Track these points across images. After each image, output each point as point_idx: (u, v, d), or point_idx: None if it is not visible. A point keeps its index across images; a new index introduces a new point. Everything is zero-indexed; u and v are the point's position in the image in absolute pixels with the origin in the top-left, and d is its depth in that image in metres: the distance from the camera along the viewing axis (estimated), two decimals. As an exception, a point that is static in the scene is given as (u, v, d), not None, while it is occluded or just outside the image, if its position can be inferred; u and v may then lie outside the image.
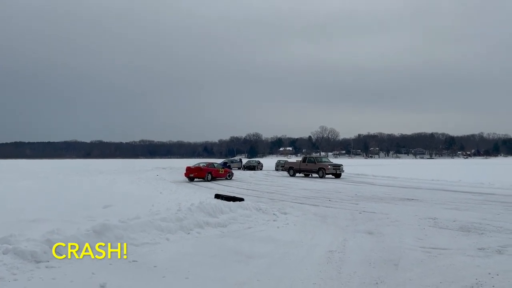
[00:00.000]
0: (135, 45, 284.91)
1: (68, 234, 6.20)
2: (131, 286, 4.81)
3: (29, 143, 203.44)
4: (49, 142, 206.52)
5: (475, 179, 25.02)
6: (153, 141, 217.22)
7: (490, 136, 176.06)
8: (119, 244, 6.37)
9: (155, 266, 5.53)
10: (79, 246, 5.96)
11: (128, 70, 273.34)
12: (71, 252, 5.77)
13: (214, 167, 28.44)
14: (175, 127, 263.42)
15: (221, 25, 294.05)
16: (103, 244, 6.23)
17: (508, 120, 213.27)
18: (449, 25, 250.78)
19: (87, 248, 5.99)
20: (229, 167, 49.51)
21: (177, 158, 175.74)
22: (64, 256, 5.65)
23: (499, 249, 6.68)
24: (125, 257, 5.92)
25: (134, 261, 5.77)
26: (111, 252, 6.06)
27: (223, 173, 28.34)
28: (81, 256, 5.76)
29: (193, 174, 26.57)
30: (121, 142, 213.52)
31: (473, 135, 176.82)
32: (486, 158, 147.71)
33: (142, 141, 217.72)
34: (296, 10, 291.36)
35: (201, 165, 28.04)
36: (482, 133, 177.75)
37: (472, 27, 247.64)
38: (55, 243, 5.77)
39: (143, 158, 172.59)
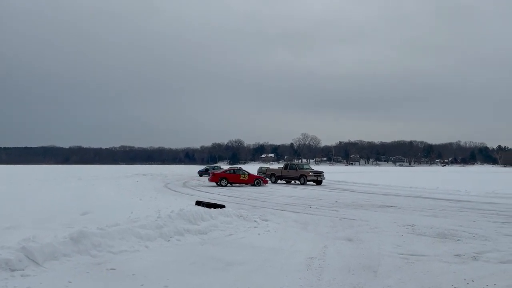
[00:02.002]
0: (116, 50, 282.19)
1: (45, 242, 6.05)
2: (108, 294, 4.73)
3: (5, 148, 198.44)
4: (26, 148, 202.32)
5: (452, 186, 25.54)
6: (133, 147, 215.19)
7: (467, 145, 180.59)
8: (96, 252, 6.26)
9: (133, 274, 5.45)
10: (55, 253, 5.83)
11: (109, 75, 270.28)
12: (47, 260, 5.64)
13: (234, 172, 28.78)
14: (156, 133, 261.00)
15: (202, 32, 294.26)
16: (80, 251, 6.11)
17: (484, 129, 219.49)
18: (424, 36, 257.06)
19: (64, 255, 5.87)
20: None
21: (158, 164, 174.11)
22: (39, 264, 5.51)
23: (474, 256, 6.82)
24: (102, 265, 5.82)
25: (112, 269, 5.67)
26: (88, 260, 5.95)
27: (247, 179, 27.77)
28: (57, 264, 5.64)
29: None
30: (101, 148, 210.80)
31: (450, 144, 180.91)
32: (463, 166, 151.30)
33: (122, 147, 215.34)
34: (277, 18, 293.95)
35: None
36: (459, 141, 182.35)
37: (446, 39, 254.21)
38: (31, 250, 5.63)
39: (123, 164, 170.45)
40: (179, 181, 35.42)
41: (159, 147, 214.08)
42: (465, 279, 5.43)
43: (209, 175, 47.95)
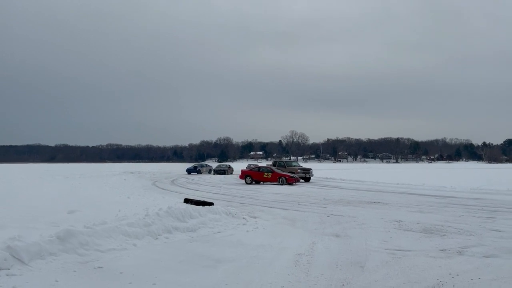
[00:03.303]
0: (103, 48, 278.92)
1: (30, 241, 5.97)
2: (96, 293, 4.70)
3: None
4: (11, 146, 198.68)
5: (438, 182, 25.89)
6: (120, 145, 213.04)
7: (453, 141, 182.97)
8: (84, 250, 6.21)
9: (121, 273, 5.42)
10: (42, 252, 5.77)
11: (95, 73, 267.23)
12: (34, 259, 5.57)
13: (258, 170, 27.77)
14: (143, 131, 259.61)
15: (190, 29, 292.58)
16: (67, 250, 6.05)
17: (469, 126, 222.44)
18: (411, 35, 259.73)
19: (50, 254, 5.80)
20: (199, 171, 49.36)
21: (146, 162, 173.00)
22: (25, 263, 5.45)
23: (459, 250, 6.94)
24: (89, 263, 5.77)
25: (99, 267, 5.63)
26: (75, 258, 5.90)
27: (271, 177, 26.15)
28: (43, 263, 5.58)
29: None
30: (87, 146, 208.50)
31: (436, 140, 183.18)
32: (448, 162, 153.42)
33: (109, 145, 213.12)
34: (263, 16, 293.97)
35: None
36: (445, 138, 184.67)
37: (433, 37, 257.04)
38: (17, 250, 5.55)
39: (110, 162, 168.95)
40: (167, 179, 35.27)
41: (147, 145, 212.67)
42: (450, 273, 5.52)
43: (197, 173, 48.39)
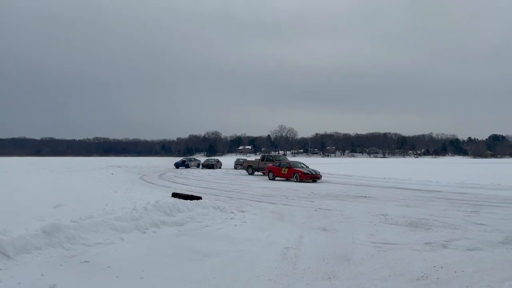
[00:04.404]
0: (90, 39, 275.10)
1: (16, 235, 5.91)
2: (82, 287, 4.68)
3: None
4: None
5: (424, 177, 26.25)
6: (108, 138, 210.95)
7: (439, 137, 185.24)
8: (70, 244, 6.17)
9: (108, 267, 5.40)
10: (27, 247, 5.71)
11: (82, 66, 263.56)
12: (19, 254, 5.52)
13: (279, 165, 26.26)
14: (131, 124, 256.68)
15: (177, 22, 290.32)
16: (53, 244, 6.01)
17: (455, 122, 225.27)
18: (398, 30, 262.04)
19: (36, 249, 5.75)
20: (187, 165, 49.21)
21: (133, 156, 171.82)
22: (11, 257, 5.39)
23: (444, 244, 7.07)
24: (76, 257, 5.74)
25: (86, 261, 5.61)
26: (61, 252, 5.86)
27: (287, 173, 24.85)
28: (29, 258, 5.53)
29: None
30: (74, 139, 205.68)
31: (423, 135, 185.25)
32: (435, 157, 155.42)
33: (96, 138, 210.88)
34: (251, 9, 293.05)
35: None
36: (431, 133, 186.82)
37: (419, 33, 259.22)
38: (2, 244, 5.49)
39: (97, 156, 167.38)
40: (155, 173, 35.10)
41: (134, 139, 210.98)
42: (434, 266, 5.62)
43: (185, 167, 48.20)
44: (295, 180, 23.83)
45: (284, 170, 25.06)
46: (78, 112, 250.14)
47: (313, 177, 23.61)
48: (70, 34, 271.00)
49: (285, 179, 25.24)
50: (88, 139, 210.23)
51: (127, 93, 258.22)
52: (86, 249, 6.21)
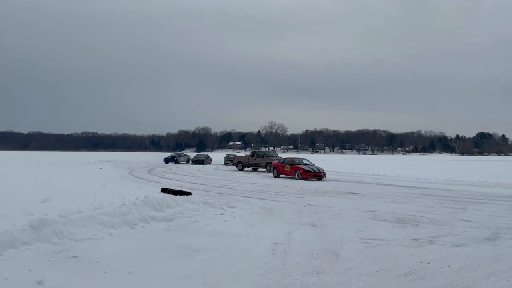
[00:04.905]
0: (78, 31, 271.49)
1: (2, 230, 5.84)
2: (70, 282, 4.65)
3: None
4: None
5: (412, 174, 26.50)
6: (96, 133, 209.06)
7: (427, 134, 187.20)
8: (58, 239, 6.12)
9: (97, 262, 5.38)
10: (14, 242, 5.65)
11: (70, 59, 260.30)
12: (6, 249, 5.46)
13: (282, 162, 25.04)
14: (120, 119, 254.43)
15: (169, 17, 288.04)
16: (40, 239, 5.95)
17: (443, 120, 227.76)
18: (388, 28, 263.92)
19: (23, 244, 5.70)
20: (177, 161, 49.03)
21: (122, 151, 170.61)
22: (-3, 253, 5.34)
23: (431, 240, 7.16)
24: (64, 252, 5.70)
25: (74, 256, 5.57)
26: (49, 248, 5.81)
27: (289, 171, 23.65)
28: (16, 253, 5.47)
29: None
30: (62, 134, 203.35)
31: (412, 133, 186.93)
32: (423, 154, 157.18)
33: (85, 133, 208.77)
34: (242, 5, 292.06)
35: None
36: (420, 130, 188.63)
37: (409, 30, 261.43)
38: (-13, 239, 5.43)
39: (86, 150, 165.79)
40: (144, 168, 34.93)
41: (123, 134, 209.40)
42: (421, 262, 5.70)
43: (175, 163, 47.98)
44: (297, 177, 22.62)
45: (287, 167, 23.90)
46: (66, 106, 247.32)
47: (316, 175, 22.24)
48: (59, 27, 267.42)
49: (289, 176, 23.98)
50: (76, 134, 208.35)
51: (116, 87, 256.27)
52: (75, 244, 6.17)
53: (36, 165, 35.32)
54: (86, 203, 9.37)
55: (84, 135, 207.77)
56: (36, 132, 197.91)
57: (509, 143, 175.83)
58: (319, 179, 22.12)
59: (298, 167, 23.12)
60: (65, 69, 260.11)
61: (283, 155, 40.05)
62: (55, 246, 5.96)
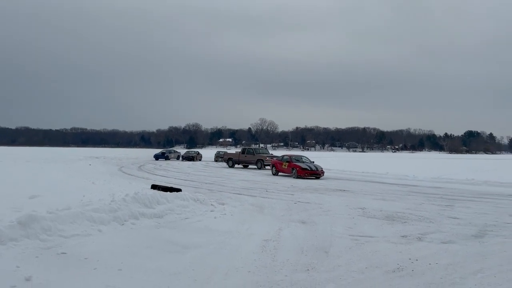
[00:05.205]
0: (67, 25, 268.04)
1: (-11, 226, 5.78)
2: (59, 278, 4.61)
3: None
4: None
5: (401, 171, 26.74)
6: (85, 129, 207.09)
7: (416, 132, 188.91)
8: (46, 236, 6.06)
9: (86, 258, 5.33)
10: (1, 238, 5.58)
11: (58, 53, 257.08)
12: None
13: (280, 160, 23.97)
14: (110, 115, 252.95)
15: (158, 12, 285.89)
16: (28, 236, 5.89)
17: (432, 118, 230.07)
18: (379, 27, 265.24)
19: (10, 240, 5.63)
20: (167, 157, 48.83)
21: (112, 147, 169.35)
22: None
23: (419, 237, 7.24)
24: (53, 249, 5.64)
25: (63, 253, 5.52)
26: (37, 244, 5.75)
27: (286, 169, 22.70)
28: (4, 249, 5.40)
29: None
30: (50, 129, 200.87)
31: (401, 131, 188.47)
32: (412, 152, 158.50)
33: (74, 128, 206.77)
34: (236, 2, 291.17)
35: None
36: (409, 129, 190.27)
37: (400, 30, 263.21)
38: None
39: (75, 146, 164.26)
40: (134, 165, 34.73)
41: (113, 130, 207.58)
42: (410, 258, 5.76)
43: (165, 159, 47.78)
44: (294, 176, 21.66)
45: (285, 165, 22.93)
46: (55, 101, 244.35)
47: (313, 173, 21.17)
48: (46, 20, 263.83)
49: (287, 174, 23.02)
50: (65, 129, 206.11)
51: (106, 83, 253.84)
52: (63, 240, 6.11)
53: (24, 160, 34.90)
54: (75, 200, 9.29)
55: (73, 131, 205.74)
56: (24, 127, 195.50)
57: (496, 141, 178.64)
58: (317, 178, 21.15)
59: (295, 165, 22.12)
60: (54, 64, 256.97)
61: (274, 152, 40.04)
62: (43, 242, 5.90)
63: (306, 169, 21.30)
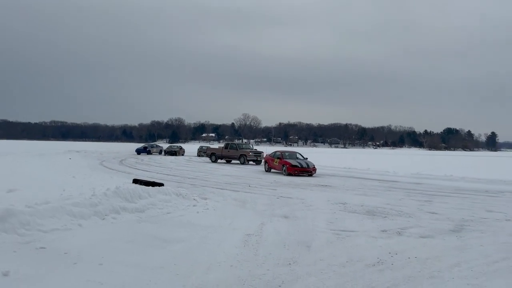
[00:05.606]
0: (51, 21, 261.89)
1: (-35, 221, 5.64)
2: (38, 273, 4.53)
3: None
4: None
5: (382, 167, 27.13)
6: (66, 122, 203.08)
7: (397, 129, 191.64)
8: (25, 230, 5.94)
9: (65, 253, 5.26)
10: (-23, 233, 5.46)
11: (39, 44, 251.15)
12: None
13: (272, 156, 22.93)
14: (91, 108, 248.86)
15: (141, 5, 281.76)
16: (6, 230, 5.76)
17: (412, 115, 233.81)
18: (362, 24, 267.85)
19: (-13, 235, 5.51)
20: (149, 152, 48.37)
21: (93, 141, 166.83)
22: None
23: (399, 231, 7.37)
24: (31, 243, 5.54)
25: (42, 247, 5.42)
26: (15, 239, 5.64)
27: (277, 165, 21.69)
28: (-20, 244, 5.28)
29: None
30: (29, 122, 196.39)
31: (382, 127, 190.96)
32: (392, 148, 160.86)
33: (54, 121, 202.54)
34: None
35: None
36: (390, 125, 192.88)
37: (381, 27, 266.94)
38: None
39: (54, 140, 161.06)
40: (115, 159, 34.30)
41: (94, 123, 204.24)
42: (389, 252, 5.86)
43: (147, 153, 47.32)
44: (284, 173, 20.61)
45: (276, 162, 21.87)
46: (34, 94, 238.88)
47: (304, 170, 20.18)
48: (24, 10, 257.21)
49: (278, 171, 21.99)
50: (44, 122, 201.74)
51: (87, 75, 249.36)
52: (42, 235, 6.00)
53: (2, 154, 34.07)
54: (54, 194, 9.12)
55: (53, 124, 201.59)
56: (2, 120, 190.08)
57: (474, 138, 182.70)
58: (310, 175, 20.17)
59: (285, 161, 21.02)
60: (33, 55, 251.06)
61: (257, 148, 40.01)
62: (21, 237, 5.78)
63: (296, 166, 20.32)
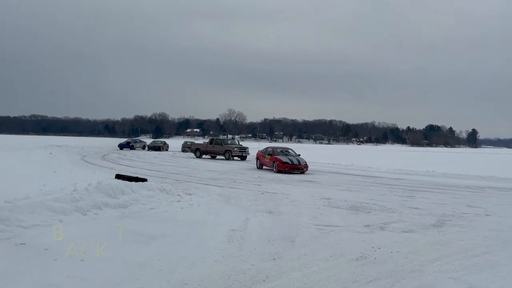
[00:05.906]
0: (28, 10, 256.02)
1: None
2: (17, 269, 4.43)
3: None
4: None
5: (366, 163, 27.41)
6: (46, 116, 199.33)
7: (381, 125, 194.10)
8: (4, 226, 5.80)
9: (46, 249, 5.16)
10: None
11: (18, 36, 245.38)
12: None
13: (263, 153, 21.94)
14: (72, 102, 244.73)
15: (127, 2, 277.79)
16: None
17: (396, 112, 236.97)
18: (348, 21, 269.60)
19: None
20: (132, 147, 47.85)
21: (74, 136, 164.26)
22: None
23: (382, 226, 7.45)
24: (11, 239, 5.42)
25: (21, 244, 5.31)
26: (-6, 235, 5.51)
27: (268, 162, 20.80)
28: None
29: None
30: (8, 116, 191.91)
31: (366, 124, 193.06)
32: (376, 144, 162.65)
33: (34, 115, 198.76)
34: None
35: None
36: (374, 122, 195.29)
37: (365, 23, 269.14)
38: None
39: (34, 134, 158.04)
40: (97, 154, 33.82)
41: (75, 118, 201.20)
42: (372, 247, 5.92)
43: (130, 149, 46.80)
44: (275, 170, 19.70)
45: (267, 158, 21.02)
46: (14, 87, 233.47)
47: (295, 167, 19.25)
48: (9, 11, 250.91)
49: (269, 168, 21.00)
50: (24, 116, 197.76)
51: (68, 68, 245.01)
52: (22, 231, 5.88)
53: (-21, 148, 33.27)
54: (34, 189, 8.95)
55: (33, 118, 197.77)
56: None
57: (455, 135, 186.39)
58: (301, 172, 19.29)
59: (276, 158, 20.11)
60: (12, 47, 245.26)
61: (242, 143, 39.89)
62: (1, 233, 5.65)
63: (287, 163, 19.38)
